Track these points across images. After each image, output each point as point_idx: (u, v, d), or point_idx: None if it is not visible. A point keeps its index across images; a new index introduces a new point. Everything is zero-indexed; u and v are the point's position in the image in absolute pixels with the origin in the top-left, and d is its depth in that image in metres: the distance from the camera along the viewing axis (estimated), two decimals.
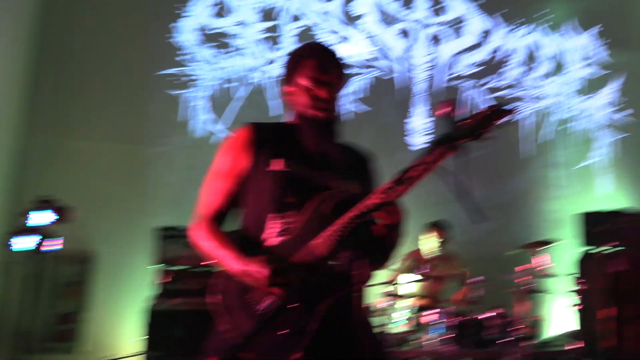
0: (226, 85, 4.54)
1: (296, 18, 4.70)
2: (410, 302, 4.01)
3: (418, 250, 4.12)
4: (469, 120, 1.36)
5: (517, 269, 3.55)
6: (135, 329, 3.65)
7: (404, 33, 4.88)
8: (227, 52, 4.57)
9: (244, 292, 1.36)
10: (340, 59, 1.56)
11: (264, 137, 1.51)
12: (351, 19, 4.78)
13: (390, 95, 4.78)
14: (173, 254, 3.49)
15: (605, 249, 4.01)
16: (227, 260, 1.41)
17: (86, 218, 3.84)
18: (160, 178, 4.24)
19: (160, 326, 3.31)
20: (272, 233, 1.43)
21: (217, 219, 1.50)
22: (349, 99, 4.64)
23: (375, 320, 3.39)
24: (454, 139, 1.22)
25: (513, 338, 3.19)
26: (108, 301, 4.05)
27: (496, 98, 4.99)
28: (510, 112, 1.41)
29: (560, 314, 4.34)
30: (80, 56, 4.35)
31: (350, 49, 4.73)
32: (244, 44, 4.59)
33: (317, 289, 1.34)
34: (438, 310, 3.21)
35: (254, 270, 1.32)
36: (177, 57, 4.48)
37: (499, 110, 1.39)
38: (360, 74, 4.74)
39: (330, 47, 1.59)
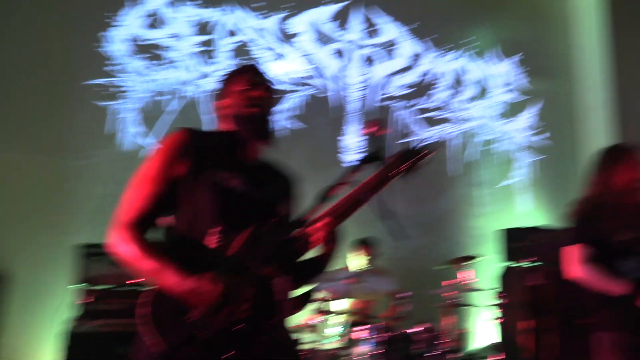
0: (158, 98, 4.43)
1: (232, 33, 4.68)
2: (341, 318, 4.04)
3: (346, 268, 4.17)
4: (398, 159, 1.44)
5: (443, 283, 3.68)
6: (54, 353, 3.43)
7: (339, 53, 5.00)
8: (160, 64, 4.47)
9: (178, 308, 1.27)
10: (270, 79, 1.59)
11: (202, 145, 1.47)
12: (287, 37, 4.83)
13: (324, 113, 4.85)
14: (96, 273, 3.32)
15: (524, 263, 4.24)
16: (159, 273, 1.30)
17: (1, 234, 3.59)
18: (84, 192, 4.05)
19: (80, 349, 3.12)
20: (213, 248, 1.37)
21: (141, 226, 1.38)
22: (284, 115, 4.67)
23: (307, 337, 3.39)
24: (377, 158, 1.25)
25: (440, 351, 3.28)
26: (24, 324, 3.78)
27: (429, 122, 5.19)
28: (434, 149, 1.52)
29: (483, 327, 4.53)
30: (0, 63, 4.10)
31: (286, 66, 4.78)
32: (178, 57, 4.51)
33: (263, 309, 1.33)
34: (368, 325, 3.25)
35: (200, 287, 1.26)
36: (105, 67, 4.32)
37: (426, 149, 1.50)
38: (295, 91, 4.78)
39: (263, 72, 1.62)
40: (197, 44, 4.57)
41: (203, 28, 4.62)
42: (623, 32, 5.72)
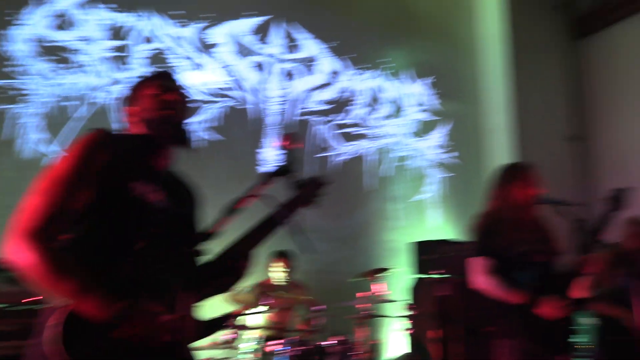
0: (64, 103, 4.17)
1: (148, 40, 4.53)
2: (257, 332, 3.98)
3: (267, 280, 4.14)
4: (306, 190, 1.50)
5: (357, 295, 3.75)
6: None
7: (259, 66, 5.00)
8: (68, 68, 4.22)
9: (92, 331, 1.16)
10: (183, 86, 1.54)
11: (118, 148, 1.36)
12: (206, 47, 4.76)
13: (243, 126, 4.81)
14: None
15: (433, 275, 4.43)
16: (78, 295, 1.15)
17: None
18: None
19: None
20: (132, 268, 1.26)
21: (48, 236, 1.19)
22: (202, 126, 4.57)
23: (222, 353, 3.30)
24: (287, 171, 1.25)
25: None
26: None
27: (346, 137, 5.31)
28: (327, 183, 1.58)
29: (396, 338, 4.66)
30: None
31: (204, 76, 4.69)
32: (88, 61, 4.28)
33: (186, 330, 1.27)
34: (283, 339, 3.22)
35: (121, 314, 1.16)
36: (5, 68, 4.01)
37: (318, 183, 1.58)
38: (213, 102, 4.71)
39: (178, 82, 1.55)
40: (110, 49, 4.37)
41: (117, 33, 4.43)
42: (522, 60, 6.23)
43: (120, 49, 4.41)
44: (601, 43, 6.61)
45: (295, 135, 1.32)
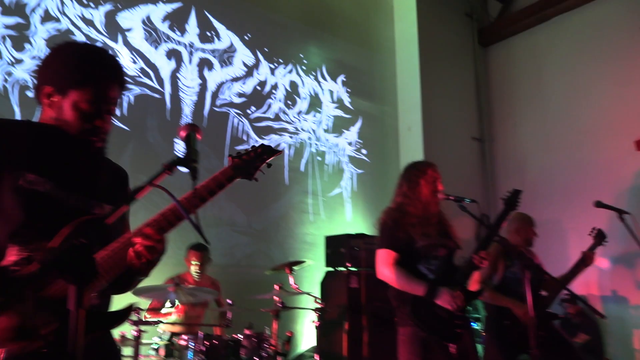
0: None
1: (53, 19, 4.23)
2: (168, 327, 3.89)
3: (184, 274, 4.06)
4: (242, 158, 1.46)
5: (276, 287, 3.76)
6: None
7: (174, 54, 4.84)
8: None
9: None
10: (124, 73, 1.43)
11: (8, 138, 1.27)
12: (117, 31, 4.53)
13: (155, 115, 4.65)
14: None
15: (345, 268, 4.56)
16: None
17: None
18: None
19: None
20: (14, 265, 1.18)
21: None
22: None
23: (130, 348, 3.19)
24: (188, 161, 1.23)
25: (267, 355, 3.35)
26: None
27: (262, 131, 5.30)
28: (277, 152, 1.55)
29: (309, 330, 4.75)
30: None
31: None
32: None
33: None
34: (196, 333, 3.17)
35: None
36: None
37: (268, 151, 1.53)
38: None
39: (117, 60, 1.43)
40: (8, 27, 4.03)
41: (19, 9, 4.09)
42: (433, 63, 6.56)
43: (19, 27, 4.08)
44: (504, 52, 7.13)
45: (194, 125, 1.30)
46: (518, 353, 3.49)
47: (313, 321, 3.64)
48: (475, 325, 4.99)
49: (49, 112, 1.36)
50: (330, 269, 4.75)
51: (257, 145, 1.55)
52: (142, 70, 4.59)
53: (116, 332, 3.21)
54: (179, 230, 1.40)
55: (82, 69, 1.34)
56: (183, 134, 1.30)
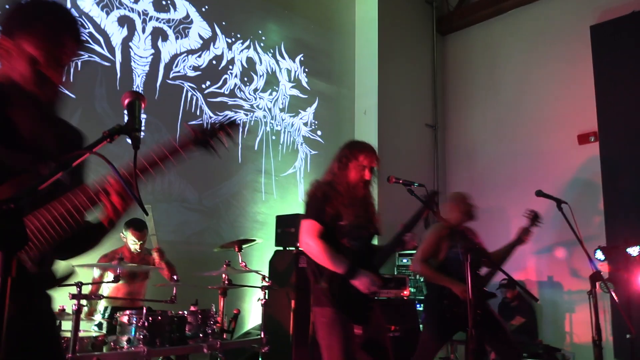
0: None
1: None
2: (109, 302, 3.81)
3: (120, 249, 3.97)
4: (200, 131, 1.43)
5: (222, 265, 3.74)
6: None
7: (126, 21, 4.65)
8: None
9: None
10: (80, 29, 1.36)
11: None
12: None
13: (105, 83, 4.46)
14: None
15: (294, 247, 4.58)
16: None
17: None
18: None
19: None
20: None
21: None
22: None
23: (69, 323, 3.10)
24: (129, 129, 1.18)
25: (213, 332, 3.33)
26: None
27: (216, 106, 5.20)
28: (236, 126, 1.51)
29: (256, 307, 4.76)
30: None
31: None
32: None
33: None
34: (139, 309, 3.12)
35: None
36: None
37: (228, 124, 1.50)
38: None
39: (74, 16, 1.35)
40: None
41: None
42: (392, 48, 6.61)
43: None
44: (461, 41, 7.26)
45: (138, 93, 1.25)
46: (454, 331, 3.64)
47: (260, 299, 3.64)
48: (420, 308, 5.15)
49: (1, 61, 1.30)
50: (280, 248, 4.76)
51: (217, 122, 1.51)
52: (91, 35, 4.39)
53: (55, 306, 3.11)
54: None
55: (32, 11, 1.29)
56: (126, 101, 1.25)
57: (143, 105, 1.25)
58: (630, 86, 5.33)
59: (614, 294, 3.59)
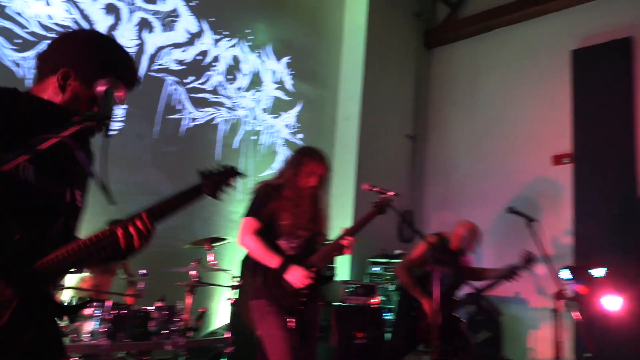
0: None
1: None
2: (75, 293, 3.75)
3: None
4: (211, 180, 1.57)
5: (193, 262, 3.71)
6: None
7: (113, 10, 4.59)
8: None
9: None
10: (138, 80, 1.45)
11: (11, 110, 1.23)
12: None
13: None
14: None
15: None
16: None
17: None
18: None
19: None
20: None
21: None
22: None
23: None
24: (104, 117, 1.18)
25: (178, 329, 3.30)
26: None
27: (198, 102, 5.15)
28: (240, 175, 1.60)
29: (225, 307, 4.73)
30: None
31: (45, 9, 4.17)
32: None
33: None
34: (103, 302, 3.07)
35: None
36: None
37: (233, 172, 1.58)
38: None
39: (136, 66, 1.45)
40: None
41: None
42: (378, 57, 6.66)
43: None
44: (446, 55, 7.35)
45: (114, 81, 1.25)
46: (419, 342, 3.68)
47: (228, 299, 3.62)
48: (388, 316, 5.17)
49: (55, 91, 1.33)
50: None
51: (223, 167, 1.61)
52: (75, 21, 4.32)
53: None
54: (98, 196, 1.34)
55: (114, 68, 1.37)
56: (101, 88, 1.24)
57: (114, 93, 1.25)
58: (605, 111, 5.48)
59: (575, 314, 3.68)
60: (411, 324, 3.53)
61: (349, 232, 2.77)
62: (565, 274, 4.52)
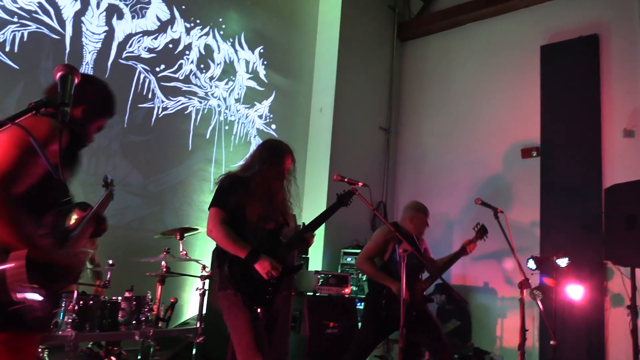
0: None
1: None
2: None
3: None
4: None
5: (163, 252, 3.67)
6: None
7: None
8: None
9: None
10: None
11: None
12: None
13: (52, 56, 4.28)
14: None
15: None
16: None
17: None
18: None
19: None
20: (42, 233, 1.54)
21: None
22: None
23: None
24: (61, 104, 1.16)
25: (146, 319, 3.27)
26: None
27: (169, 91, 5.08)
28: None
29: (195, 297, 4.71)
30: None
31: None
32: None
33: None
34: (70, 292, 3.02)
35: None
36: None
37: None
38: (17, 24, 4.08)
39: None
40: None
41: None
42: (352, 49, 6.67)
43: None
44: (419, 49, 7.41)
45: (72, 67, 1.22)
46: (390, 331, 3.73)
47: (198, 289, 3.61)
48: (360, 306, 5.23)
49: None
50: None
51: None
52: (40, 6, 4.21)
53: None
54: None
55: (112, 109, 1.98)
56: (59, 74, 1.22)
57: (76, 80, 1.22)
58: (573, 106, 5.62)
59: (539, 302, 3.78)
60: (380, 312, 3.58)
61: (309, 227, 2.79)
62: (532, 264, 4.64)
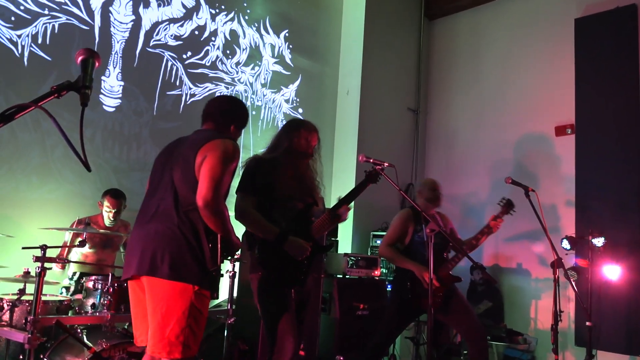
0: None
1: None
2: (78, 268, 3.82)
3: (95, 216, 3.96)
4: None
5: None
6: None
7: None
8: None
9: None
10: None
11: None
12: None
13: (82, 46, 4.36)
14: None
15: None
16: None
17: None
18: None
19: None
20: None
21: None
22: (29, 42, 4.05)
23: (34, 286, 3.09)
24: (82, 87, 1.18)
25: None
26: None
27: (197, 77, 5.13)
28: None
29: (224, 280, 4.79)
30: None
31: None
32: None
33: None
34: (106, 275, 3.12)
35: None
36: None
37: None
38: (48, 16, 4.18)
39: None
40: None
41: None
42: (378, 29, 6.57)
43: None
44: (447, 27, 7.24)
45: (93, 51, 1.24)
46: (417, 312, 3.71)
47: (228, 271, 3.67)
48: (390, 288, 5.23)
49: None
50: None
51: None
52: None
53: (20, 268, 3.10)
54: (98, 172, 1.35)
55: (244, 118, 2.70)
56: (81, 58, 1.24)
57: (97, 64, 1.25)
58: (608, 81, 5.40)
59: (573, 283, 3.69)
60: (406, 294, 3.56)
61: (343, 201, 2.79)
62: (566, 244, 4.53)
